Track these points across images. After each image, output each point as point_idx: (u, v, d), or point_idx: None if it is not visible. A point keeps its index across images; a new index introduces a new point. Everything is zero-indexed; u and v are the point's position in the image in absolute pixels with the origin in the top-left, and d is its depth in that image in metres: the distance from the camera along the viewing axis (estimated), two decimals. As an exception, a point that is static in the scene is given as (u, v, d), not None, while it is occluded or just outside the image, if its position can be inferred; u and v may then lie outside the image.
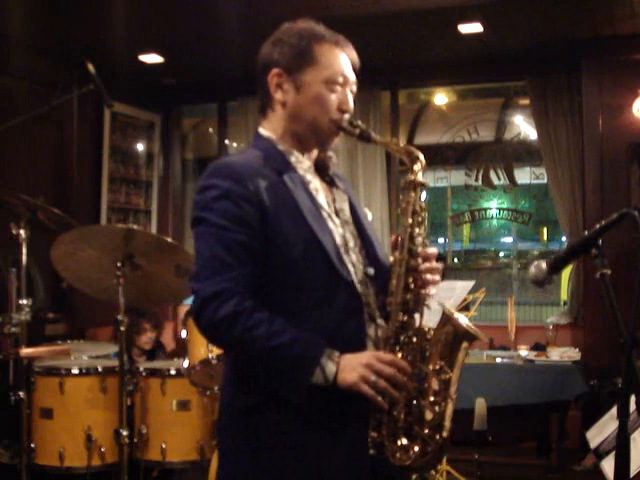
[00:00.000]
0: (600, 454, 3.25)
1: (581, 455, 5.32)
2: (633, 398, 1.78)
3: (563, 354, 5.57)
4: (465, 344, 1.90)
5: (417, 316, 1.90)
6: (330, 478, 1.84)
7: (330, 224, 1.93)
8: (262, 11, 5.20)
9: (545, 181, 6.73)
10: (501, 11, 5.41)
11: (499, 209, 7.15)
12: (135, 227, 4.05)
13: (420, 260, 1.90)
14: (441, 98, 7.85)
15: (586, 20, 5.59)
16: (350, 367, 1.78)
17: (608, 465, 3.03)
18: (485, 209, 7.15)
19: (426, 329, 1.90)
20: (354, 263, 1.94)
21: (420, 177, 1.93)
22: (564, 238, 6.97)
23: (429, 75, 6.79)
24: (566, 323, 6.33)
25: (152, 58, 6.37)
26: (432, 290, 1.93)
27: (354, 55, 2.02)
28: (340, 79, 1.95)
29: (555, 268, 2.00)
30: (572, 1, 5.24)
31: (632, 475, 1.87)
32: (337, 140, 2.02)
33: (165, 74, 6.92)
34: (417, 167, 1.93)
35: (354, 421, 1.85)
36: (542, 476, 5.44)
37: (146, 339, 5.15)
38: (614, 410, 3.15)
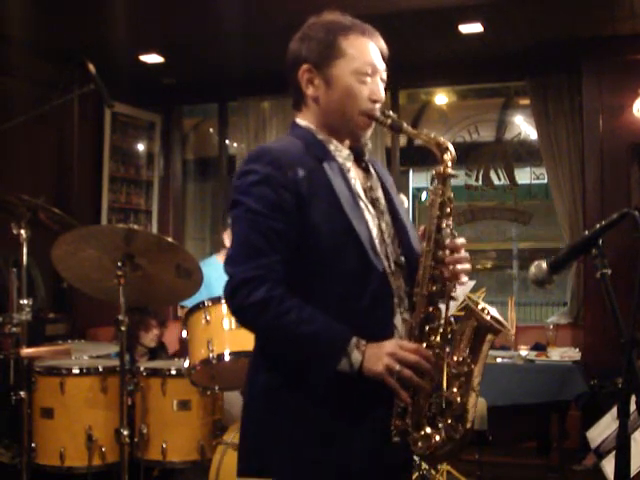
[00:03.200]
0: (600, 454, 3.25)
1: (581, 455, 5.32)
2: (633, 398, 1.78)
3: (563, 354, 5.57)
4: (489, 337, 1.92)
5: (443, 307, 1.91)
6: (349, 462, 1.86)
7: (367, 214, 1.94)
8: (262, 11, 5.21)
9: (545, 181, 6.73)
10: (501, 11, 5.42)
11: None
12: (136, 227, 4.05)
13: (447, 252, 1.91)
14: (441, 98, 7.86)
15: (586, 20, 5.60)
16: (375, 357, 1.80)
17: (608, 465, 3.03)
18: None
19: (452, 320, 1.91)
20: (388, 253, 1.95)
21: (449, 169, 1.93)
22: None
23: (429, 75, 6.79)
24: (566, 323, 6.34)
25: (152, 58, 6.38)
26: (464, 279, 1.93)
27: (382, 43, 2.02)
28: (369, 69, 1.95)
29: (555, 268, 2.00)
30: (572, 1, 5.24)
31: (632, 475, 1.87)
32: (368, 133, 2.02)
33: (165, 74, 6.93)
34: (447, 158, 1.93)
35: (377, 407, 1.86)
36: (542, 476, 5.44)
37: (152, 336, 5.15)
38: (614, 410, 3.14)
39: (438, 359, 1.86)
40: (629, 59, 5.91)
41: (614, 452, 1.89)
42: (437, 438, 1.85)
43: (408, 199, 9.64)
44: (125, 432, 3.46)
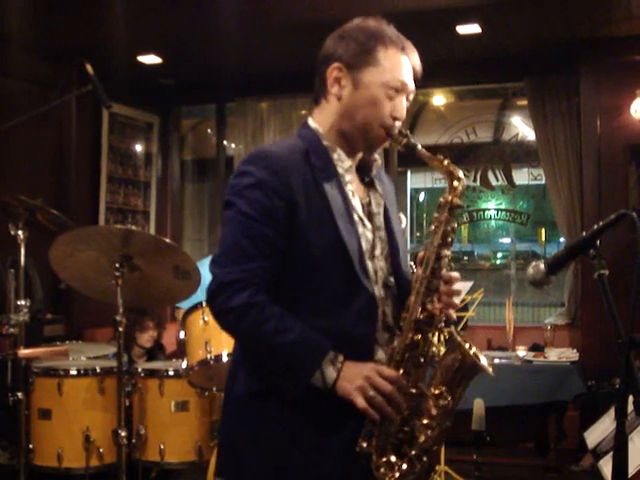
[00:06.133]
0: (598, 454, 3.25)
1: (579, 455, 5.32)
2: (631, 398, 1.78)
3: (561, 355, 5.58)
4: (468, 379, 1.90)
5: (428, 335, 1.88)
6: (315, 472, 1.84)
7: (360, 228, 1.92)
8: (260, 12, 5.21)
9: (543, 182, 6.74)
10: (499, 12, 5.42)
11: (497, 210, 7.16)
12: (133, 228, 4.05)
13: (442, 282, 1.89)
14: (439, 99, 7.86)
15: (584, 22, 5.60)
16: (350, 377, 1.78)
17: (606, 465, 3.03)
18: (483, 210, 7.16)
19: (435, 351, 1.89)
20: (377, 270, 1.93)
21: (458, 199, 1.90)
22: (562, 239, 6.98)
23: (427, 76, 6.72)
24: (564, 324, 6.34)
25: (150, 59, 6.38)
26: (450, 312, 1.92)
27: (417, 63, 2.00)
28: (398, 85, 1.93)
29: (553, 269, 1.99)
30: (570, 3, 5.25)
31: (630, 475, 1.87)
32: (380, 148, 2.01)
33: (163, 75, 6.93)
34: (457, 188, 1.90)
35: (349, 423, 1.84)
36: (540, 476, 5.45)
37: (148, 337, 5.14)
38: (612, 410, 3.15)
39: (414, 388, 1.84)
40: (626, 60, 5.92)
41: (612, 453, 1.90)
42: (402, 467, 1.82)
43: (406, 200, 9.65)
44: (123, 433, 3.46)
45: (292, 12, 5.09)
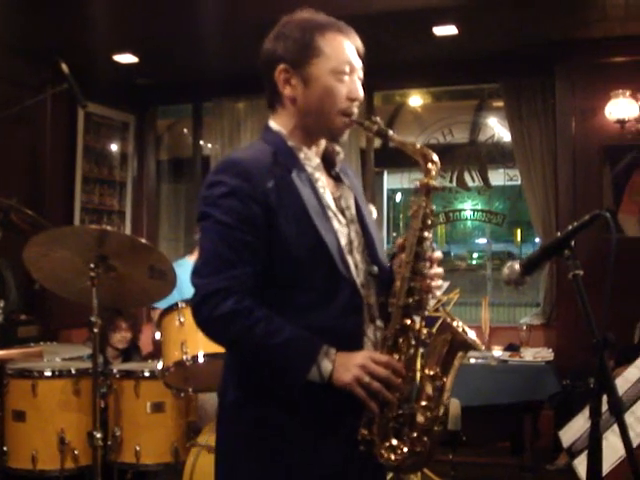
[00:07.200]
0: (573, 453, 3.27)
1: (554, 454, 5.36)
2: (605, 398, 1.79)
3: (536, 354, 5.61)
4: (462, 352, 1.91)
5: (417, 319, 1.90)
6: (315, 471, 1.84)
7: (335, 223, 1.93)
8: (237, 12, 5.20)
9: (519, 182, 6.78)
10: (476, 14, 5.45)
11: (473, 210, 7.19)
12: (109, 228, 4.02)
13: (427, 264, 1.90)
14: (416, 100, 7.89)
15: (559, 23, 5.65)
16: (345, 367, 1.79)
17: (581, 464, 3.04)
18: (459, 210, 7.19)
19: (425, 333, 1.90)
20: (357, 263, 1.94)
21: (434, 181, 1.92)
22: (537, 239, 7.03)
23: (404, 77, 6.81)
24: (539, 324, 6.38)
25: (127, 58, 6.35)
26: (437, 293, 1.95)
27: (357, 41, 2.00)
28: (346, 68, 1.93)
29: (528, 269, 2.00)
30: (546, 5, 5.28)
31: (604, 474, 1.89)
32: (346, 134, 2.00)
33: (140, 74, 6.89)
34: (432, 170, 1.92)
35: (346, 417, 1.85)
36: (516, 475, 5.47)
37: (120, 337, 5.10)
38: (586, 409, 3.17)
39: (409, 372, 1.86)
40: (601, 62, 5.97)
41: (586, 451, 1.91)
42: (403, 450, 1.85)
43: (382, 200, 9.67)
44: (98, 435, 3.43)
45: (269, 12, 5.08)
